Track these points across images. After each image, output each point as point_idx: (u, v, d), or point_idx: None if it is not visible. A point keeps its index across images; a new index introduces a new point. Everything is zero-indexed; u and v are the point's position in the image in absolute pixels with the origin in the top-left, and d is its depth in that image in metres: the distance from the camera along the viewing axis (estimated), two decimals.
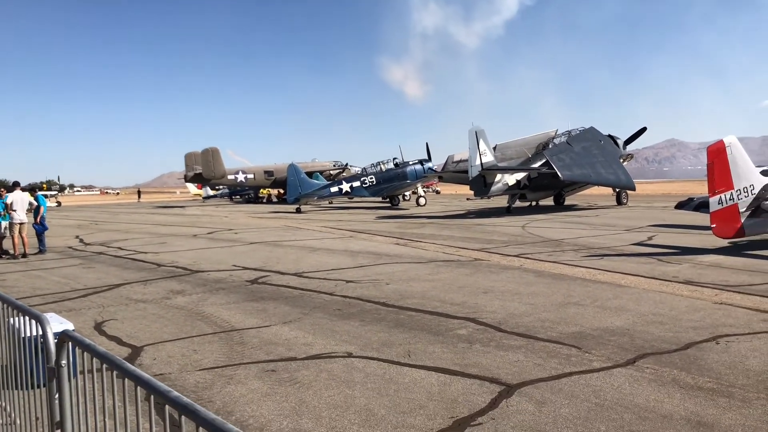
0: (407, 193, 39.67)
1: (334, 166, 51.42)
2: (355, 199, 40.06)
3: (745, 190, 11.70)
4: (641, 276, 10.09)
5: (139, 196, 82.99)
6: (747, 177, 11.72)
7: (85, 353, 2.75)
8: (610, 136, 29.38)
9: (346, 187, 35.87)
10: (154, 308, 8.79)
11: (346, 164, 50.77)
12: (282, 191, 50.01)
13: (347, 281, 10.50)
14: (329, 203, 40.83)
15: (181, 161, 50.97)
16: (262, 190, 55.30)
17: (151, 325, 7.72)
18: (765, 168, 15.86)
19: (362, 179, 36.34)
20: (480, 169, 25.14)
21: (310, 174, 40.90)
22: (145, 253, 15.79)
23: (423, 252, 14.36)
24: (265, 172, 51.72)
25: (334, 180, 40.95)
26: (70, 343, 2.90)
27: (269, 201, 53.99)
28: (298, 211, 34.21)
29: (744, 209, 11.66)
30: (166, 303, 9.16)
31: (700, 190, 12.14)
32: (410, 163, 36.79)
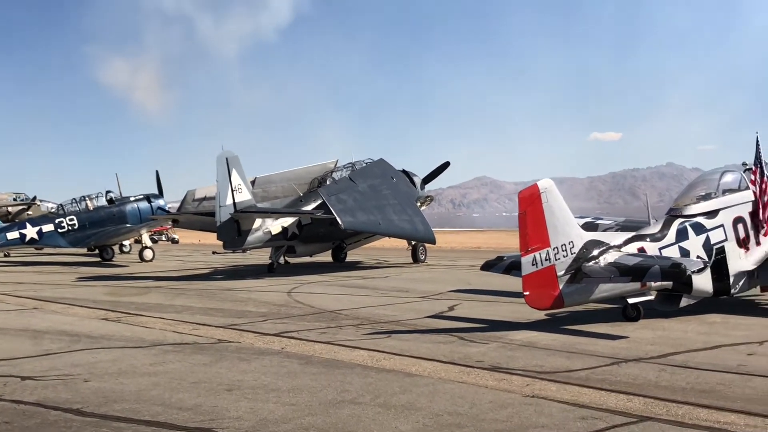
0: (127, 243, 38.31)
1: (15, 200, 48.30)
2: (47, 250, 37.81)
3: (564, 248, 12.69)
4: (438, 360, 10.61)
5: None
6: (565, 231, 12.76)
7: None
8: (404, 171, 30.82)
9: (31, 232, 33.75)
10: None
11: (34, 198, 47.93)
12: None
13: (24, 378, 9.88)
14: (4, 255, 38.13)
15: None
16: None
17: None
18: (588, 220, 17.51)
19: (58, 221, 34.40)
20: (232, 210, 25.04)
21: None
22: None
23: (144, 331, 13.97)
24: None
25: (14, 221, 38.41)
26: None
27: None
28: None
29: (562, 272, 12.63)
30: None
31: (517, 243, 13.16)
32: (132, 199, 35.62)
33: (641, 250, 13.69)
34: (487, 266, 15.32)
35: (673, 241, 14.06)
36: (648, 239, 14.01)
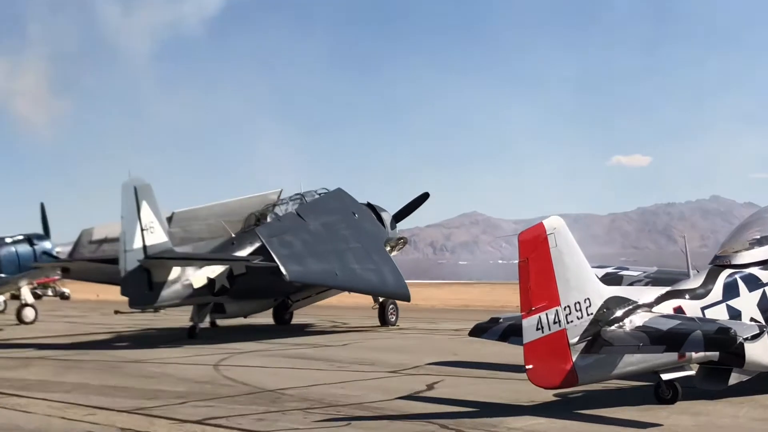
0: (1, 299, 37.90)
1: None
2: None
3: (578, 307, 12.65)
4: None
5: None
6: (580, 285, 12.73)
7: None
8: (369, 205, 30.93)
9: None
10: None
11: None
12: None
13: None
14: None
15: None
16: None
17: None
18: (609, 270, 17.39)
19: None
20: (142, 256, 24.93)
21: None
22: None
23: (22, 417, 13.79)
24: None
25: None
26: None
27: None
28: None
29: (576, 339, 12.54)
30: None
31: (516, 300, 13.09)
32: (8, 241, 35.47)
33: (678, 310, 13.69)
34: (478, 331, 15.22)
35: (720, 298, 14.07)
36: (687, 296, 14.02)
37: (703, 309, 13.82)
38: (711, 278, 14.32)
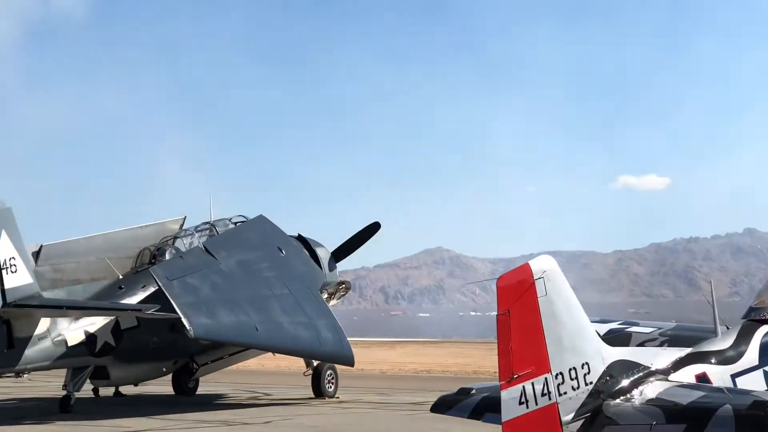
0: None
1: None
2: None
3: (573, 374, 12.26)
4: None
5: None
6: (577, 346, 12.34)
7: None
8: (300, 238, 31.04)
9: None
10: None
11: None
12: None
13: None
14: None
15: None
16: None
17: None
18: (614, 326, 17.48)
19: None
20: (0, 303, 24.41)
21: None
22: None
23: None
24: None
25: None
26: None
27: None
28: None
29: (570, 416, 12.15)
30: None
31: (493, 364, 13.13)
32: None
33: (702, 377, 13.57)
34: (443, 406, 14.94)
35: (756, 363, 14.05)
36: (714, 360, 13.96)
37: (734, 377, 13.85)
38: (744, 337, 14.39)
